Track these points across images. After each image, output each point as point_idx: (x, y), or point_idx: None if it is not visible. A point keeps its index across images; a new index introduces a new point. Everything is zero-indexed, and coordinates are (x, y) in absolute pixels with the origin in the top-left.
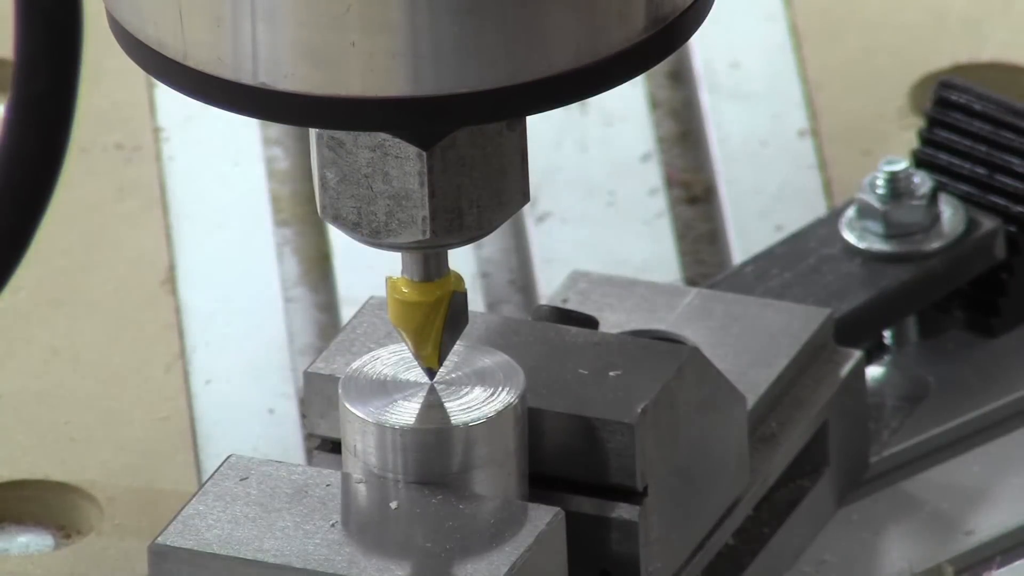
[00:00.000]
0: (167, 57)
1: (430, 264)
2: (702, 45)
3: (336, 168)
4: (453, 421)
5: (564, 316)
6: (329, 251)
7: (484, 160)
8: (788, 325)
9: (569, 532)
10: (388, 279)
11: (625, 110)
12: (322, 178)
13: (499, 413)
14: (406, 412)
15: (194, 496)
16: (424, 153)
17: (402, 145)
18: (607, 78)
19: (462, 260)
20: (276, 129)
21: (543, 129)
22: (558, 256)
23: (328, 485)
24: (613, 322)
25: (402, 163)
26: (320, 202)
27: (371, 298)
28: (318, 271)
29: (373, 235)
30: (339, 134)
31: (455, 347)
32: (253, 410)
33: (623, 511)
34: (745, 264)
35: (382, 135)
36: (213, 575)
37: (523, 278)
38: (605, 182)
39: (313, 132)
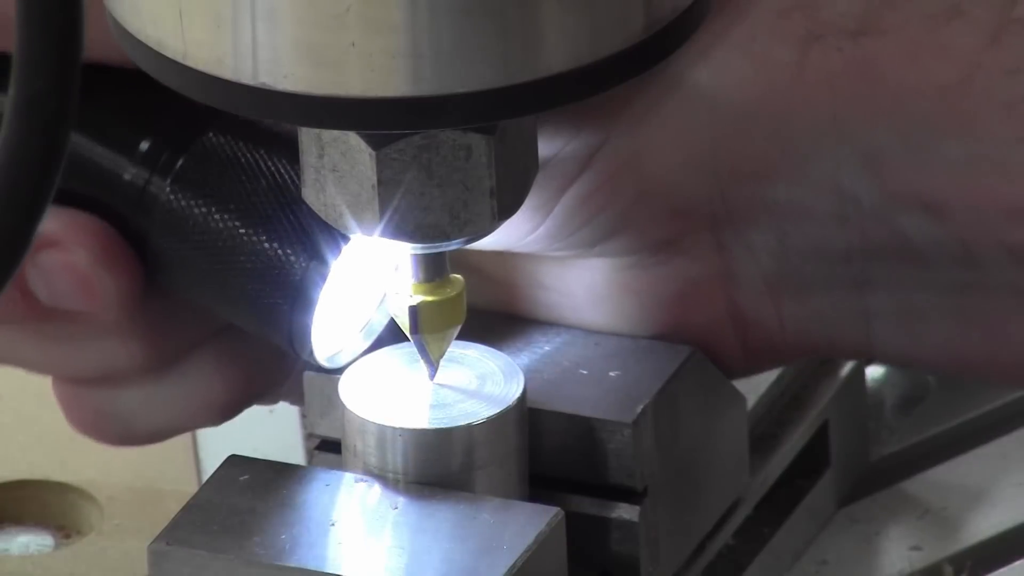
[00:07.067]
0: (167, 57)
1: (442, 259)
2: None
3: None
4: (453, 422)
5: None
6: None
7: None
8: None
9: (569, 532)
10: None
11: None
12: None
13: (499, 413)
14: (406, 412)
15: (194, 496)
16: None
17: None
18: (607, 79)
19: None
20: None
21: None
22: None
23: (328, 485)
24: None
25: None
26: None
27: None
28: None
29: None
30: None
31: (455, 347)
32: (253, 410)
33: (623, 511)
34: None
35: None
36: (213, 575)
37: None
38: None
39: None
